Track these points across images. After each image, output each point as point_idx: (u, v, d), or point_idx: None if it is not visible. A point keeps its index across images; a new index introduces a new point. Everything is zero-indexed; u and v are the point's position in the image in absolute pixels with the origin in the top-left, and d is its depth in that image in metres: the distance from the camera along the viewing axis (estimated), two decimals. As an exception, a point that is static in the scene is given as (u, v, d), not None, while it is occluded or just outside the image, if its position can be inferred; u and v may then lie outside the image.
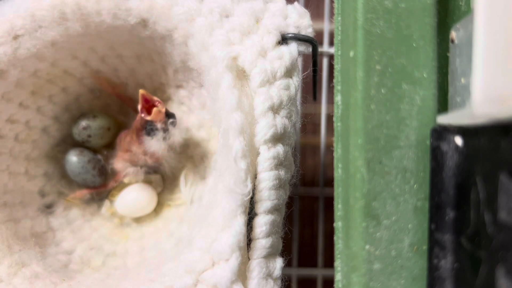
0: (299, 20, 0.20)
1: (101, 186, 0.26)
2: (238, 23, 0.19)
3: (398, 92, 0.15)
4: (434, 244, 0.14)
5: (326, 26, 0.30)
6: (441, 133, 0.14)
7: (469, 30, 0.14)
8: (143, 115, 0.22)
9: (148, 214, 0.26)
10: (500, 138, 0.13)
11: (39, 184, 0.25)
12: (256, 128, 0.18)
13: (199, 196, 0.25)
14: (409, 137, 0.15)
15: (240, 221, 0.17)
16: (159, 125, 0.23)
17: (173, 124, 0.23)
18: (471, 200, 0.13)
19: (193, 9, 0.19)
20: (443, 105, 0.16)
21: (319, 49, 0.24)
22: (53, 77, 0.24)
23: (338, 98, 0.17)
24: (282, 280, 0.18)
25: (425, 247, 0.15)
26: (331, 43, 0.30)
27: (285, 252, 0.19)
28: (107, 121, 0.26)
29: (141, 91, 0.22)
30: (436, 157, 0.14)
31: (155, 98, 0.22)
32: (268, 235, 0.18)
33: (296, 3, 0.20)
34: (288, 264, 0.20)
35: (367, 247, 0.15)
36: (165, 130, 0.23)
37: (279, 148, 0.18)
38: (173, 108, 0.26)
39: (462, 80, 0.15)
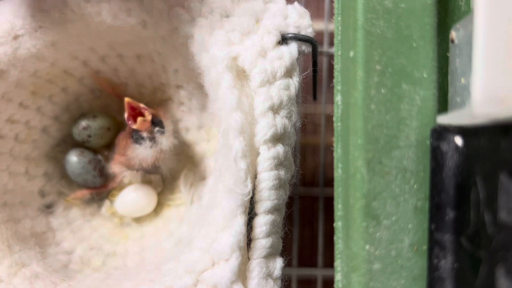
0: (299, 20, 0.20)
1: (101, 187, 0.26)
2: (238, 23, 0.19)
3: (398, 92, 0.15)
4: (434, 244, 0.14)
5: (326, 26, 0.30)
6: (441, 133, 0.14)
7: (469, 30, 0.14)
8: (129, 123, 0.22)
9: (148, 214, 0.26)
10: (500, 138, 0.13)
11: (39, 184, 0.25)
12: (256, 128, 0.18)
13: (199, 196, 0.25)
14: (409, 137, 0.15)
15: (240, 221, 0.17)
16: (144, 134, 0.23)
17: (160, 132, 0.23)
18: (471, 200, 0.13)
19: (193, 10, 0.19)
20: (443, 105, 0.16)
21: (319, 49, 0.24)
22: (53, 77, 0.24)
23: (338, 98, 0.17)
24: (282, 280, 0.18)
25: (425, 247, 0.15)
26: (331, 43, 0.30)
27: (285, 252, 0.19)
28: (107, 121, 0.26)
29: (126, 99, 0.22)
30: (436, 157, 0.14)
31: (142, 106, 0.22)
32: (268, 235, 0.18)
33: (296, 3, 0.20)
34: (288, 264, 0.20)
35: (367, 247, 0.15)
36: (151, 138, 0.23)
37: (279, 148, 0.18)
38: (173, 108, 0.26)
39: (462, 80, 0.15)
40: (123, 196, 0.26)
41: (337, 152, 0.17)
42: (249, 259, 0.18)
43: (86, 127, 0.25)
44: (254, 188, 0.18)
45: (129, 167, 0.24)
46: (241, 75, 0.19)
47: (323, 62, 0.31)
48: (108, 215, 0.26)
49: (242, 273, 0.17)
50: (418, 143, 0.15)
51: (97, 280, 0.22)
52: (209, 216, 0.18)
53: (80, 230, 0.25)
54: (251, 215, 0.18)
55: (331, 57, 0.30)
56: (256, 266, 0.17)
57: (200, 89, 0.24)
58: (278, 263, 0.18)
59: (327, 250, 0.29)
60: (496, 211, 0.13)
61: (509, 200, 0.12)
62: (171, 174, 0.26)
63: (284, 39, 0.19)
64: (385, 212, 0.15)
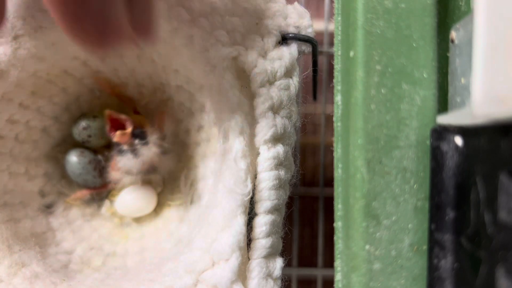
0: (299, 20, 0.20)
1: (101, 187, 0.26)
2: (238, 23, 0.19)
3: (398, 92, 0.15)
4: (434, 244, 0.14)
5: (326, 26, 0.30)
6: (441, 133, 0.14)
7: (469, 30, 0.14)
8: (111, 135, 0.22)
9: (148, 214, 0.26)
10: (500, 138, 0.13)
11: (39, 184, 0.25)
12: (256, 128, 0.18)
13: (199, 196, 0.25)
14: (409, 137, 0.15)
15: (240, 221, 0.17)
16: (125, 147, 0.23)
17: (142, 143, 0.23)
18: (471, 200, 0.13)
19: (193, 9, 0.19)
20: (443, 105, 0.16)
21: (319, 49, 0.24)
22: (53, 77, 0.24)
23: (338, 98, 0.17)
24: (282, 280, 0.18)
25: (425, 247, 0.15)
26: (331, 43, 0.30)
27: (285, 252, 0.19)
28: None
29: (107, 112, 0.22)
30: (436, 157, 0.14)
31: (123, 117, 0.22)
32: (268, 235, 0.18)
33: (296, 3, 0.20)
34: (288, 264, 0.20)
35: (367, 247, 0.15)
36: (133, 150, 0.23)
37: (279, 148, 0.18)
38: (173, 108, 0.26)
39: (462, 80, 0.15)
40: (123, 196, 0.25)
41: (337, 152, 0.17)
42: (249, 259, 0.18)
43: (86, 127, 0.25)
44: (254, 188, 0.18)
45: (128, 172, 0.24)
46: (241, 75, 0.19)
47: (323, 62, 0.31)
48: (108, 215, 0.26)
49: (242, 273, 0.17)
50: (418, 143, 0.15)
51: (97, 280, 0.22)
52: (209, 216, 0.18)
53: (80, 230, 0.25)
54: (251, 215, 0.18)
55: (331, 57, 0.30)
56: (256, 266, 0.17)
57: (200, 89, 0.24)
58: (278, 263, 0.18)
59: (327, 250, 0.29)
60: (496, 211, 0.13)
61: (509, 200, 0.12)
62: (171, 174, 0.26)
63: (284, 39, 0.19)
64: (385, 212, 0.15)
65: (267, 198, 0.18)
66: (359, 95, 0.15)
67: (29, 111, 0.24)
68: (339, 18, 0.18)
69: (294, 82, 0.19)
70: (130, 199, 0.25)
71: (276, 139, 0.18)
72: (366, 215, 0.15)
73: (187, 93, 0.26)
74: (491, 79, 0.11)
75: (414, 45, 0.15)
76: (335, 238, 0.17)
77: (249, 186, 0.17)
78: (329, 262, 0.29)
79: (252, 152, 0.18)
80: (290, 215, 0.20)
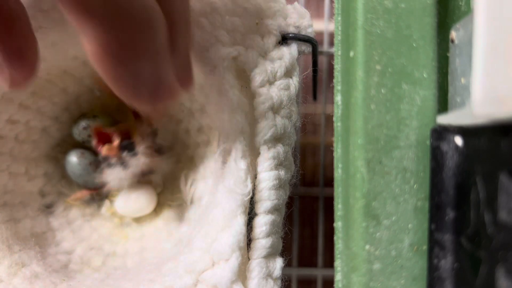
0: (299, 20, 0.20)
1: (102, 187, 0.26)
2: (238, 23, 0.19)
3: (398, 92, 0.15)
4: (434, 244, 0.14)
5: (326, 26, 0.30)
6: (441, 133, 0.14)
7: (469, 30, 0.14)
8: (99, 149, 0.22)
9: (148, 214, 0.26)
10: (500, 138, 0.13)
11: (39, 184, 0.25)
12: (256, 128, 0.18)
13: (199, 196, 0.25)
14: (409, 137, 0.15)
15: (240, 221, 0.17)
16: (113, 161, 0.23)
17: (131, 155, 0.23)
18: (471, 200, 0.13)
19: (193, 9, 0.19)
20: (443, 105, 0.16)
21: (319, 49, 0.24)
22: (53, 77, 0.24)
23: (338, 98, 0.17)
24: (282, 280, 0.18)
25: (425, 247, 0.15)
26: (331, 43, 0.30)
27: (285, 252, 0.19)
28: (107, 121, 0.26)
29: (94, 127, 0.22)
30: (436, 157, 0.14)
31: (109, 131, 0.22)
32: (268, 235, 0.18)
33: (296, 3, 0.20)
34: (288, 264, 0.20)
35: (367, 247, 0.15)
36: (122, 163, 0.23)
37: (279, 148, 0.18)
38: (173, 108, 0.26)
39: (462, 80, 0.15)
40: (123, 196, 0.25)
41: (337, 152, 0.17)
42: (249, 259, 0.18)
43: (86, 127, 0.25)
44: (254, 188, 0.18)
45: (117, 184, 0.25)
46: (241, 75, 0.19)
47: (323, 62, 0.31)
48: (108, 215, 0.26)
49: (242, 273, 0.17)
50: (418, 143, 0.15)
51: (97, 280, 0.22)
52: (209, 216, 0.18)
53: (80, 230, 0.25)
54: (251, 215, 0.18)
55: (331, 57, 0.30)
56: (256, 266, 0.17)
57: (200, 89, 0.24)
58: (278, 263, 0.18)
59: (327, 250, 0.29)
60: (496, 211, 0.13)
61: (509, 200, 0.12)
62: (171, 174, 0.26)
63: (284, 39, 0.19)
64: (385, 212, 0.15)
65: (267, 198, 0.18)
66: (359, 95, 0.15)
67: (29, 111, 0.24)
68: (339, 18, 0.18)
69: (294, 82, 0.19)
70: (130, 199, 0.25)
71: (276, 139, 0.18)
72: (366, 215, 0.15)
73: (187, 93, 0.26)
74: (491, 79, 0.11)
75: (414, 45, 0.15)
76: (335, 238, 0.17)
77: (249, 186, 0.17)
78: (329, 262, 0.29)
79: (252, 152, 0.18)
80: (290, 215, 0.20)
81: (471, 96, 0.12)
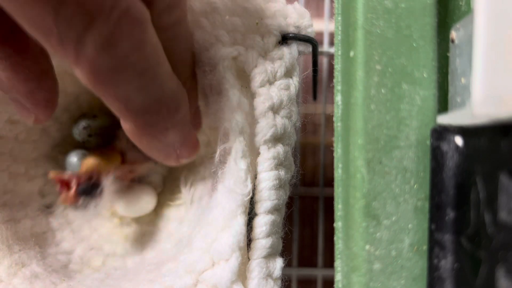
0: (299, 20, 0.20)
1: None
2: (238, 23, 0.19)
3: (398, 92, 0.15)
4: (434, 244, 0.14)
5: (326, 26, 0.30)
6: (441, 133, 0.14)
7: (469, 30, 0.14)
8: (62, 196, 0.22)
9: (148, 214, 0.26)
10: (500, 138, 0.13)
11: (39, 184, 0.25)
12: (256, 128, 0.18)
13: (199, 196, 0.25)
14: (409, 137, 0.15)
15: (240, 221, 0.17)
16: (75, 205, 0.23)
17: (91, 197, 0.23)
18: (471, 200, 0.13)
19: (194, 9, 0.19)
20: (443, 105, 0.16)
21: (319, 49, 0.24)
22: (53, 77, 0.24)
23: (338, 98, 0.17)
24: (282, 280, 0.18)
25: (425, 247, 0.15)
26: (331, 43, 0.30)
27: (285, 252, 0.19)
28: (107, 120, 0.26)
29: (51, 174, 0.22)
30: (436, 157, 0.14)
31: (66, 177, 0.22)
32: (268, 235, 0.18)
33: (296, 3, 0.20)
34: (288, 264, 0.20)
35: (367, 247, 0.15)
36: (85, 205, 0.23)
37: (279, 148, 0.18)
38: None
39: (462, 80, 0.15)
40: (123, 196, 0.25)
41: (337, 152, 0.17)
42: (249, 259, 0.18)
43: (86, 126, 0.25)
44: (254, 188, 0.18)
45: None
46: (241, 75, 0.19)
47: (323, 62, 0.31)
48: (108, 215, 0.26)
49: (242, 273, 0.17)
50: (418, 143, 0.15)
51: (97, 280, 0.22)
52: (209, 216, 0.18)
53: (80, 230, 0.25)
54: (251, 215, 0.18)
55: (331, 57, 0.30)
56: (256, 266, 0.17)
57: (200, 90, 0.24)
58: (278, 263, 0.18)
59: (327, 250, 0.29)
60: (496, 211, 0.13)
61: (509, 200, 0.12)
62: (171, 174, 0.26)
63: (284, 39, 0.19)
64: (385, 212, 0.15)
65: (267, 198, 0.18)
66: (359, 95, 0.15)
67: (29, 111, 0.24)
68: (339, 18, 0.18)
69: (294, 82, 0.19)
70: (130, 199, 0.25)
71: (276, 139, 0.18)
72: (366, 215, 0.15)
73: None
74: (491, 79, 0.11)
75: (414, 45, 0.15)
76: (335, 238, 0.17)
77: (249, 186, 0.17)
78: (329, 262, 0.29)
79: (252, 152, 0.18)
80: (290, 215, 0.20)
81: (471, 96, 0.12)
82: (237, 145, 0.17)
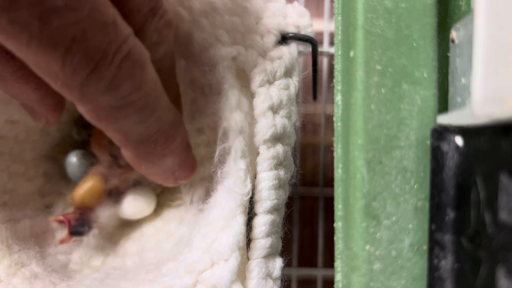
0: (299, 19, 0.20)
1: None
2: (238, 23, 0.19)
3: (398, 92, 0.15)
4: (434, 244, 0.14)
5: (326, 26, 0.30)
6: (441, 133, 0.14)
7: (469, 30, 0.14)
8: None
9: (148, 215, 0.26)
10: (500, 138, 0.13)
11: (39, 184, 0.25)
12: (255, 127, 0.18)
13: (199, 197, 0.25)
14: (409, 137, 0.15)
15: (239, 221, 0.17)
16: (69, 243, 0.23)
17: (80, 235, 0.23)
18: (471, 200, 0.13)
19: (193, 9, 0.19)
20: (443, 105, 0.16)
21: (319, 49, 0.24)
22: (52, 77, 0.24)
23: (338, 98, 0.17)
24: (282, 280, 0.18)
25: (425, 247, 0.15)
26: (331, 43, 0.30)
27: (285, 252, 0.19)
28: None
29: (51, 218, 0.23)
30: (437, 157, 0.14)
31: (61, 218, 0.23)
32: (267, 235, 0.18)
33: (296, 2, 0.20)
34: (288, 264, 0.20)
35: (367, 247, 0.15)
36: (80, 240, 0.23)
37: (279, 148, 0.18)
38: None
39: (462, 80, 0.15)
40: (122, 198, 0.25)
41: (337, 152, 0.17)
42: (248, 259, 0.18)
43: (86, 127, 0.25)
44: (254, 188, 0.18)
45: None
46: (240, 74, 0.19)
47: (323, 62, 0.31)
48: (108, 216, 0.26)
49: (241, 273, 0.17)
50: (418, 143, 0.15)
51: (96, 280, 0.22)
52: (209, 216, 0.18)
53: (80, 230, 0.25)
54: (250, 215, 0.18)
55: (331, 57, 0.30)
56: (256, 266, 0.17)
57: (200, 90, 0.24)
58: (277, 263, 0.18)
59: (327, 250, 0.29)
60: (497, 211, 0.13)
61: (510, 200, 0.12)
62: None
63: (284, 39, 0.19)
64: (385, 212, 0.15)
65: (267, 198, 0.18)
66: (359, 95, 0.15)
67: (28, 111, 0.24)
68: (339, 18, 0.18)
69: (293, 82, 0.19)
70: (130, 202, 0.25)
71: (275, 138, 0.18)
72: (366, 215, 0.15)
73: (187, 94, 0.26)
74: (491, 79, 0.11)
75: (414, 45, 0.15)
76: (335, 238, 0.17)
77: (249, 186, 0.17)
78: (329, 262, 0.29)
79: (252, 151, 0.18)
80: (290, 215, 0.20)
81: (471, 96, 0.12)
82: (237, 145, 0.17)
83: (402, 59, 0.15)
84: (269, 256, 0.18)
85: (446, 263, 0.13)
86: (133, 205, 0.25)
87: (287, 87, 0.19)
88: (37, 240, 0.23)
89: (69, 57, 0.13)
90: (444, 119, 0.14)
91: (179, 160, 0.18)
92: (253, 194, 0.18)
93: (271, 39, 0.19)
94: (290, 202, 0.19)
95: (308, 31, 0.20)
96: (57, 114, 0.19)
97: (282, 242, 0.19)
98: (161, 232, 0.25)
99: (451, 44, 0.15)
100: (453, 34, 0.15)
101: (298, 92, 0.20)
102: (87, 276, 0.23)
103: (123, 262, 0.24)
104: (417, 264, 0.15)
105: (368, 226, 0.15)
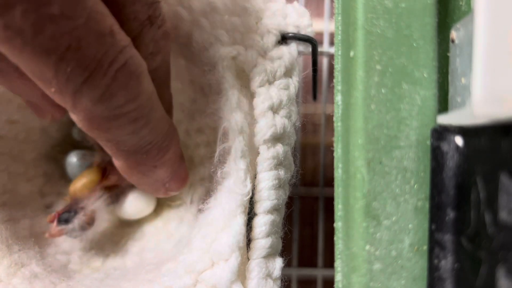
0: (299, 19, 0.20)
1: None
2: (238, 23, 0.19)
3: (399, 92, 0.15)
4: (434, 244, 0.14)
5: (326, 26, 0.30)
6: (441, 133, 0.14)
7: (469, 30, 0.14)
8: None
9: (148, 214, 0.26)
10: (500, 138, 0.13)
11: (39, 184, 0.25)
12: (255, 127, 0.18)
13: (199, 197, 0.25)
14: (409, 137, 0.15)
15: (239, 221, 0.17)
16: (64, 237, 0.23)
17: (67, 223, 0.23)
18: (471, 200, 0.13)
19: (193, 9, 0.19)
20: (443, 105, 0.16)
21: (319, 49, 0.24)
22: (52, 77, 0.24)
23: (338, 98, 0.17)
24: (282, 280, 0.18)
25: (425, 247, 0.15)
26: (331, 43, 0.30)
27: (285, 252, 0.19)
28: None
29: (48, 221, 0.23)
30: (437, 157, 0.14)
31: (53, 214, 0.23)
32: (267, 235, 0.18)
33: (295, 2, 0.20)
34: (288, 264, 0.20)
35: (367, 247, 0.15)
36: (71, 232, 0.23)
37: (279, 148, 0.18)
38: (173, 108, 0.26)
39: (462, 80, 0.15)
40: (122, 199, 0.25)
41: (337, 152, 0.17)
42: (248, 259, 0.18)
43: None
44: (254, 188, 0.18)
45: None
46: (240, 74, 0.19)
47: (323, 62, 0.31)
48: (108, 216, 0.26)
49: (241, 273, 0.17)
50: (419, 143, 0.15)
51: (96, 280, 0.22)
52: (209, 216, 0.18)
53: (80, 230, 0.25)
54: (250, 215, 0.18)
55: (331, 57, 0.30)
56: (256, 266, 0.17)
57: (200, 90, 0.24)
58: (277, 263, 0.18)
59: (327, 250, 0.29)
60: (497, 211, 0.13)
61: (510, 200, 0.12)
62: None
63: (283, 39, 0.19)
64: (385, 212, 0.15)
65: (267, 198, 0.18)
66: (359, 95, 0.15)
67: (28, 111, 0.24)
68: (339, 18, 0.18)
69: (293, 82, 0.19)
70: (129, 201, 0.25)
71: (275, 138, 0.18)
72: (366, 215, 0.15)
73: (187, 94, 0.26)
74: (491, 79, 0.11)
75: (414, 45, 0.15)
76: (335, 238, 0.17)
77: (249, 186, 0.17)
78: (329, 262, 0.29)
79: (252, 151, 0.18)
80: (290, 215, 0.20)
81: (471, 96, 0.12)
82: (237, 145, 0.17)
83: (402, 59, 0.15)
84: (269, 256, 0.18)
85: (446, 263, 0.13)
86: (133, 205, 0.25)
87: (287, 87, 0.19)
88: (37, 240, 0.23)
89: (63, 65, 0.12)
90: (444, 119, 0.14)
91: (171, 171, 0.18)
92: (253, 194, 0.18)
93: (271, 39, 0.19)
94: (290, 202, 0.19)
95: (308, 31, 0.20)
96: (62, 109, 0.18)
97: (282, 242, 0.19)
98: (161, 232, 0.25)
99: (451, 44, 0.15)
100: (453, 34, 0.15)
101: (298, 92, 0.20)
102: (87, 276, 0.23)
103: (123, 262, 0.24)
104: (417, 264, 0.15)
105: (368, 226, 0.15)
